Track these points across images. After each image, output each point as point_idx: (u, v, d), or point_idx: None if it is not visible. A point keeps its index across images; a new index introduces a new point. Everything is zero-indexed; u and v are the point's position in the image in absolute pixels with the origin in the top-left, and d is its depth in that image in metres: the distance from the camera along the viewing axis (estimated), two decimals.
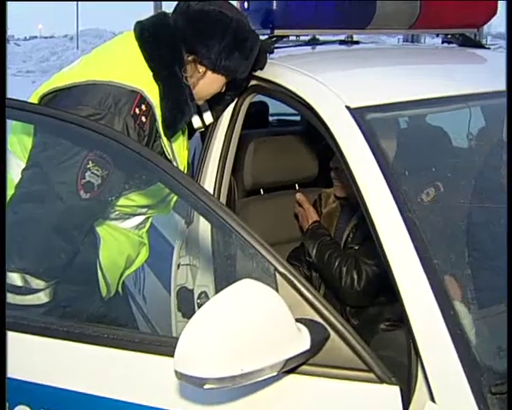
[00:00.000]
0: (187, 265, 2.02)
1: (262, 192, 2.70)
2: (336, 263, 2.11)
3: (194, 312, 1.90)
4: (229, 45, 1.67)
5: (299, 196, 2.39)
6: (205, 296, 1.95)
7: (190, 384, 1.00)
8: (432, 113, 1.85)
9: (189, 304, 1.98)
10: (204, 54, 1.68)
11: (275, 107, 3.64)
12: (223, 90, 1.81)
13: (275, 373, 1.05)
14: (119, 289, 1.91)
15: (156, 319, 2.40)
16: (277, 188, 2.72)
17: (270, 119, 3.87)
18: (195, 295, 1.97)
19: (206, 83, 1.74)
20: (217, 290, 1.81)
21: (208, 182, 2.00)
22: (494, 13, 2.38)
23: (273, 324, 1.05)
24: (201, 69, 1.71)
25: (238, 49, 1.69)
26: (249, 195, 2.71)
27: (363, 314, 2.16)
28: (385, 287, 1.95)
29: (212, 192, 1.98)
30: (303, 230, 2.37)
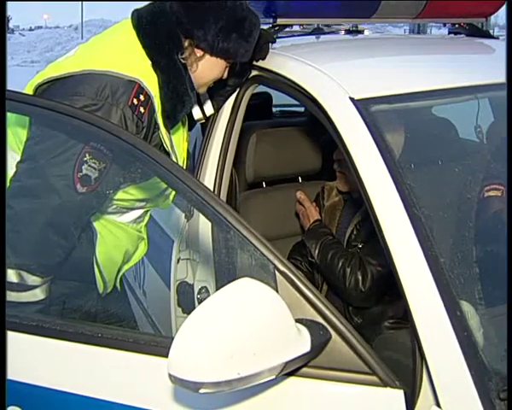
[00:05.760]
0: (187, 259, 1.99)
1: (264, 185, 2.66)
2: (340, 264, 2.06)
3: (193, 307, 1.89)
4: (225, 26, 1.62)
5: (299, 194, 2.34)
6: (205, 291, 1.92)
7: (185, 389, 0.96)
8: (439, 104, 1.81)
9: (188, 299, 1.96)
10: (200, 37, 1.63)
11: (278, 98, 3.59)
12: (224, 76, 1.76)
13: (273, 377, 1.02)
14: (117, 285, 1.87)
15: (156, 315, 2.37)
16: (280, 181, 2.68)
17: (274, 110, 3.82)
18: (195, 290, 1.94)
19: (206, 68, 1.70)
20: (217, 286, 1.78)
21: (209, 175, 1.97)
22: (503, 2, 2.32)
23: (272, 325, 1.01)
24: (199, 53, 1.67)
25: (236, 30, 1.64)
26: (251, 188, 2.67)
27: (366, 313, 2.12)
28: (389, 286, 1.91)
29: (212, 185, 1.95)
30: (304, 229, 2.32)
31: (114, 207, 1.72)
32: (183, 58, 1.63)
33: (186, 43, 1.64)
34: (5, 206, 1.39)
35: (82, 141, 1.50)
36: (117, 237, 1.75)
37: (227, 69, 1.75)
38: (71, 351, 1.25)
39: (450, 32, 2.38)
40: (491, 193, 1.59)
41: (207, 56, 1.67)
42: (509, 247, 1.15)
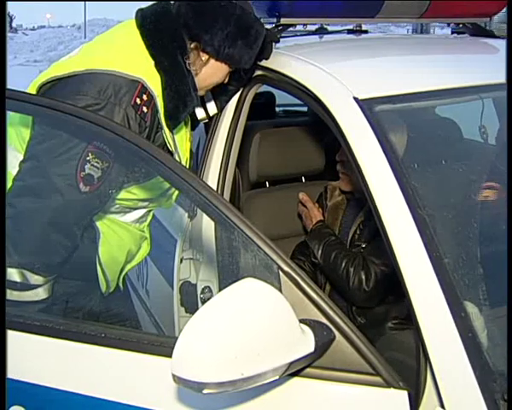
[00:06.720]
0: (190, 259, 1.98)
1: (267, 185, 2.67)
2: (343, 264, 2.06)
3: (197, 307, 1.89)
4: (232, 33, 1.64)
5: (301, 195, 2.34)
6: (208, 291, 1.92)
7: (188, 389, 0.96)
8: (443, 104, 1.80)
9: (192, 299, 1.95)
10: (207, 41, 1.64)
11: (281, 97, 3.59)
12: (226, 80, 1.77)
13: (277, 377, 1.01)
14: (120, 285, 1.87)
15: (159, 314, 2.37)
16: (283, 180, 2.68)
17: (277, 109, 3.82)
18: (198, 290, 1.93)
19: (209, 71, 1.71)
20: (221, 286, 1.78)
21: (212, 174, 1.97)
22: (506, 2, 2.31)
23: (276, 325, 1.01)
24: (204, 57, 1.68)
25: (242, 38, 1.65)
26: (254, 187, 2.67)
27: (369, 313, 2.11)
28: (393, 286, 1.91)
29: (216, 185, 1.94)
30: (307, 230, 2.32)
31: (117, 206, 1.72)
32: (189, 63, 1.63)
33: (192, 46, 1.64)
34: (5, 206, 1.39)
35: (85, 140, 1.50)
36: (120, 237, 1.75)
37: (228, 74, 1.76)
38: (74, 351, 1.25)
39: (453, 32, 2.38)
40: None
41: (212, 61, 1.68)
42: (509, 247, 1.15)
